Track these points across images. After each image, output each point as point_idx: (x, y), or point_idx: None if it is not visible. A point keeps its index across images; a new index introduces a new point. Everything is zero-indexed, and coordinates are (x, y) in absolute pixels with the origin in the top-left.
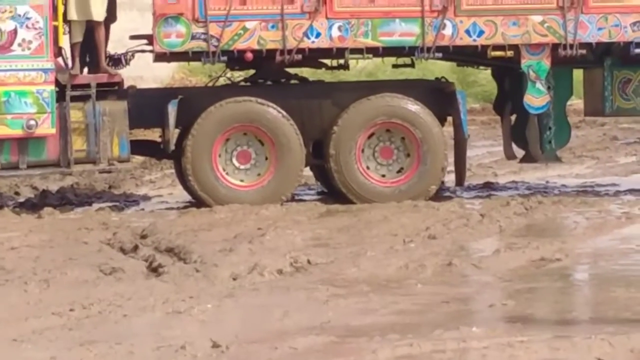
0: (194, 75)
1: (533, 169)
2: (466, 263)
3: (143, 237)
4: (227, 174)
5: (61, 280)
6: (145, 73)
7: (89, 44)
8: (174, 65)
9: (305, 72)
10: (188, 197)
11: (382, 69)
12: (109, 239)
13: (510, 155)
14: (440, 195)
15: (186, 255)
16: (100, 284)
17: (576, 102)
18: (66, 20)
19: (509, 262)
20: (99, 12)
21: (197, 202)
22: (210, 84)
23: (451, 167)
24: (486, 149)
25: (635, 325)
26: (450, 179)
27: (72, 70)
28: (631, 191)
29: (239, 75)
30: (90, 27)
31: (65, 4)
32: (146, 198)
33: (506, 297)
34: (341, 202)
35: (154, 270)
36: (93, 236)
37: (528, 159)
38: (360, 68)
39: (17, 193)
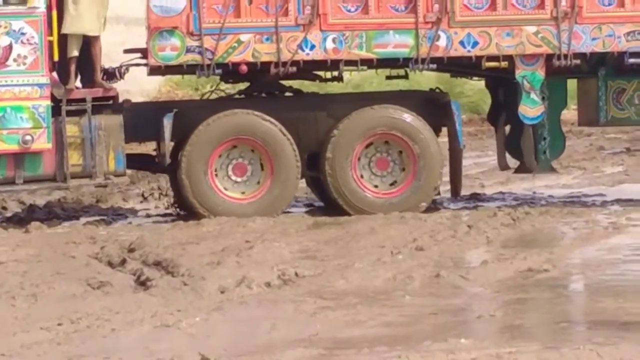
0: (180, 88)
1: (520, 180)
2: (454, 274)
3: (131, 250)
4: (222, 186)
5: (49, 295)
6: (132, 87)
7: (84, 59)
8: (161, 78)
9: (294, 84)
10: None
11: (369, 80)
12: (96, 253)
13: (504, 166)
14: (428, 207)
15: (174, 268)
16: (88, 298)
17: (562, 112)
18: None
19: (496, 273)
20: (94, 28)
21: (187, 216)
22: (205, 97)
23: (446, 178)
24: (473, 160)
25: (623, 336)
26: (444, 189)
27: (68, 85)
28: (618, 201)
29: (226, 88)
30: (87, 41)
31: (62, 19)
32: (133, 212)
33: (494, 308)
34: (329, 214)
35: (142, 284)
36: (81, 250)
37: (523, 169)
38: (347, 80)
39: (4, 208)
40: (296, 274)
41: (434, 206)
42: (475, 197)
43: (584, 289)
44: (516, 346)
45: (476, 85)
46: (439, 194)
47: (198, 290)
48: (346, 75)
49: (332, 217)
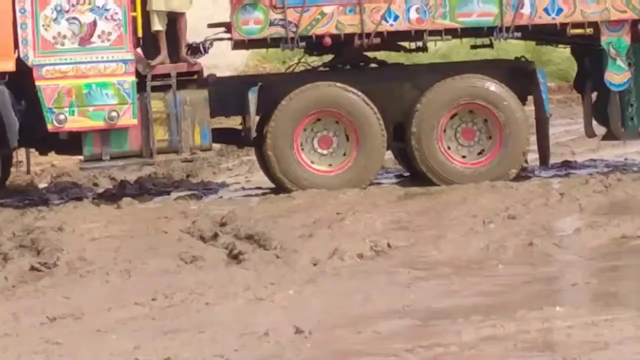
0: (268, 62)
1: (611, 147)
2: (547, 242)
3: (222, 224)
4: (309, 160)
5: (142, 270)
6: (219, 61)
7: (169, 34)
8: (247, 52)
9: (380, 55)
10: (266, 184)
11: (456, 50)
12: (188, 227)
13: (590, 134)
14: (519, 174)
15: (266, 241)
16: (182, 273)
17: None
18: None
19: (590, 240)
20: (182, 4)
21: (277, 189)
22: (289, 70)
23: (534, 147)
24: (563, 128)
25: None
26: (533, 157)
27: (160, 57)
28: None
29: (313, 61)
30: (173, 17)
31: None
32: (224, 186)
33: (589, 276)
34: (419, 184)
35: (235, 257)
36: (172, 225)
37: (610, 136)
38: (434, 50)
39: (95, 184)
40: (389, 245)
41: (525, 175)
42: (567, 165)
43: None
44: (612, 313)
45: (564, 53)
46: (526, 161)
47: (291, 263)
48: (432, 45)
49: (423, 187)
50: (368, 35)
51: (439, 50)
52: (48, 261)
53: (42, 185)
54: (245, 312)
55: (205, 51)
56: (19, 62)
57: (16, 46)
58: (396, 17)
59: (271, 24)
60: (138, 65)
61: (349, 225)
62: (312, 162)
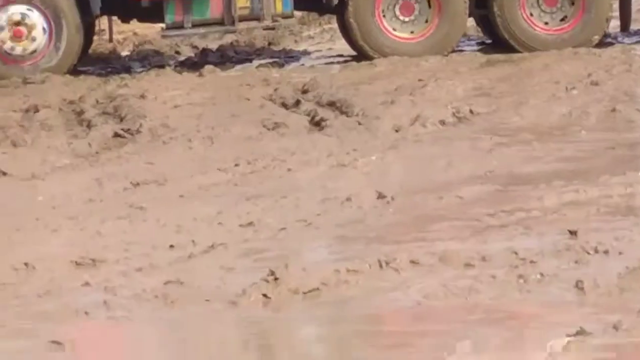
0: None
1: None
2: (630, 108)
3: (304, 92)
4: (391, 27)
5: (225, 137)
6: None
7: None
8: None
9: None
10: (348, 52)
11: None
12: (270, 95)
13: None
14: (601, 41)
15: (348, 108)
16: (264, 140)
17: None
18: None
19: None
20: None
21: (359, 56)
22: None
23: (615, 13)
24: None
25: None
26: (614, 24)
27: None
28: None
29: None
30: None
31: None
32: (305, 54)
33: None
34: (501, 52)
35: (317, 124)
36: (255, 92)
37: None
38: None
39: (177, 52)
40: (471, 111)
41: (608, 41)
42: None
43: None
44: None
45: None
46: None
47: (372, 130)
48: None
49: (505, 54)
50: None
51: None
52: (131, 128)
53: (124, 53)
54: (328, 178)
55: None
56: None
57: None
58: None
59: None
60: None
61: (431, 92)
62: (394, 30)
